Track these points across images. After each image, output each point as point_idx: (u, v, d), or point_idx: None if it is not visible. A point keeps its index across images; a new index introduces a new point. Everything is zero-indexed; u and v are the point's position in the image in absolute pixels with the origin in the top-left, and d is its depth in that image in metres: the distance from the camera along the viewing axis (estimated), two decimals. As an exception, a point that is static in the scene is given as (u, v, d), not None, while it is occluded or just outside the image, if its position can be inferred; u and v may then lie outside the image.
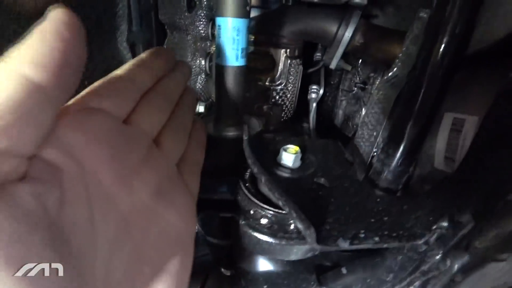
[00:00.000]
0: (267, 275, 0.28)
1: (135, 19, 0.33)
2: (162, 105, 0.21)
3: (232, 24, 0.29)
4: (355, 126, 0.52)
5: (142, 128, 0.19)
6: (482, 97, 0.24)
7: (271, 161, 0.28)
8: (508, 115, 0.19)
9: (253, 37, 0.43)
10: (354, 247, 0.20)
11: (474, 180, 0.21)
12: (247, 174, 0.28)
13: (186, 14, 0.39)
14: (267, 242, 0.24)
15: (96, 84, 0.17)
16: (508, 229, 0.18)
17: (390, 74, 0.34)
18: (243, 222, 0.25)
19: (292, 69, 0.46)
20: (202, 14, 0.40)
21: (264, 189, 0.26)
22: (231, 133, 0.33)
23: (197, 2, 0.40)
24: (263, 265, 0.29)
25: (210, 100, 0.47)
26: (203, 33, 0.41)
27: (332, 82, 0.56)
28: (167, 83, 0.22)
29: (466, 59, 0.26)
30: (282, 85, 0.46)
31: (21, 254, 0.11)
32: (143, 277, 0.17)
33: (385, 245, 0.21)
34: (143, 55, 0.21)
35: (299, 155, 0.28)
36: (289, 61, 0.45)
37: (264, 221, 0.25)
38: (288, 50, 0.45)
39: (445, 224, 0.21)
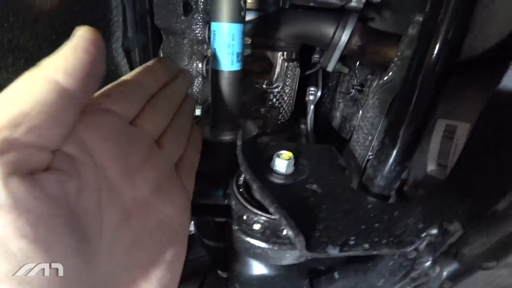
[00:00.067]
0: (261, 278, 0.29)
1: (130, 24, 0.34)
2: (165, 109, 0.23)
3: (227, 29, 0.29)
4: (352, 128, 0.52)
5: (146, 129, 0.21)
6: (475, 104, 0.24)
7: (265, 167, 0.28)
8: (496, 124, 0.19)
9: (250, 40, 0.43)
10: (343, 254, 0.20)
11: (463, 188, 0.21)
12: (241, 180, 0.28)
13: (182, 18, 0.39)
14: (259, 247, 0.24)
15: (108, 87, 0.19)
16: (495, 239, 0.18)
17: (385, 78, 0.34)
18: (236, 227, 0.26)
19: (289, 72, 0.46)
20: (199, 18, 0.40)
21: (257, 195, 0.27)
22: (227, 137, 0.33)
23: (194, 6, 0.40)
24: (257, 268, 0.29)
25: (207, 103, 0.48)
26: (200, 36, 0.42)
27: (330, 84, 0.56)
28: (170, 90, 0.24)
29: (459, 66, 0.26)
30: (279, 87, 0.47)
31: (46, 235, 0.12)
32: (141, 264, 0.19)
33: (374, 252, 0.21)
34: (149, 63, 0.23)
35: (292, 161, 0.28)
36: (286, 63, 0.45)
37: (257, 226, 0.25)
38: (285, 53, 0.45)
39: (434, 231, 0.21)
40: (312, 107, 0.52)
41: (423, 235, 0.21)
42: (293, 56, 0.47)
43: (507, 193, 0.18)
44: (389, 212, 0.24)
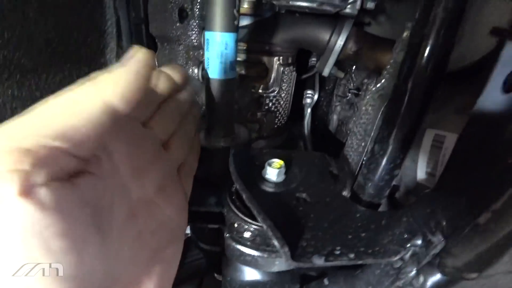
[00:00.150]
0: (253, 284, 0.29)
1: (125, 34, 0.34)
2: (174, 115, 0.25)
3: (220, 38, 0.30)
4: (349, 132, 0.52)
5: (155, 132, 0.22)
6: (463, 115, 0.25)
7: (257, 175, 0.29)
8: (479, 136, 0.20)
9: (245, 45, 0.44)
10: (329, 264, 0.21)
11: (448, 199, 0.21)
12: (234, 187, 0.29)
13: (177, 24, 0.39)
14: (249, 254, 0.25)
15: None
16: (477, 251, 0.19)
17: (378, 85, 0.34)
18: (227, 234, 0.26)
19: (285, 76, 0.46)
20: (194, 24, 0.41)
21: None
22: (221, 144, 0.33)
23: (189, 12, 0.40)
24: (249, 274, 0.30)
25: (203, 108, 0.48)
26: (196, 42, 0.42)
27: (326, 88, 0.56)
28: (180, 96, 0.25)
29: (448, 76, 0.26)
30: (275, 92, 0.47)
31: (81, 235, 0.14)
32: (143, 259, 0.20)
33: (360, 262, 0.21)
34: (164, 68, 0.24)
35: (283, 170, 0.28)
36: (282, 68, 0.45)
37: (247, 234, 0.26)
38: (281, 58, 0.45)
39: (418, 242, 0.21)
40: (309, 110, 0.53)
41: (408, 245, 0.22)
42: (289, 61, 0.47)
43: (489, 206, 0.19)
44: (377, 221, 0.24)
